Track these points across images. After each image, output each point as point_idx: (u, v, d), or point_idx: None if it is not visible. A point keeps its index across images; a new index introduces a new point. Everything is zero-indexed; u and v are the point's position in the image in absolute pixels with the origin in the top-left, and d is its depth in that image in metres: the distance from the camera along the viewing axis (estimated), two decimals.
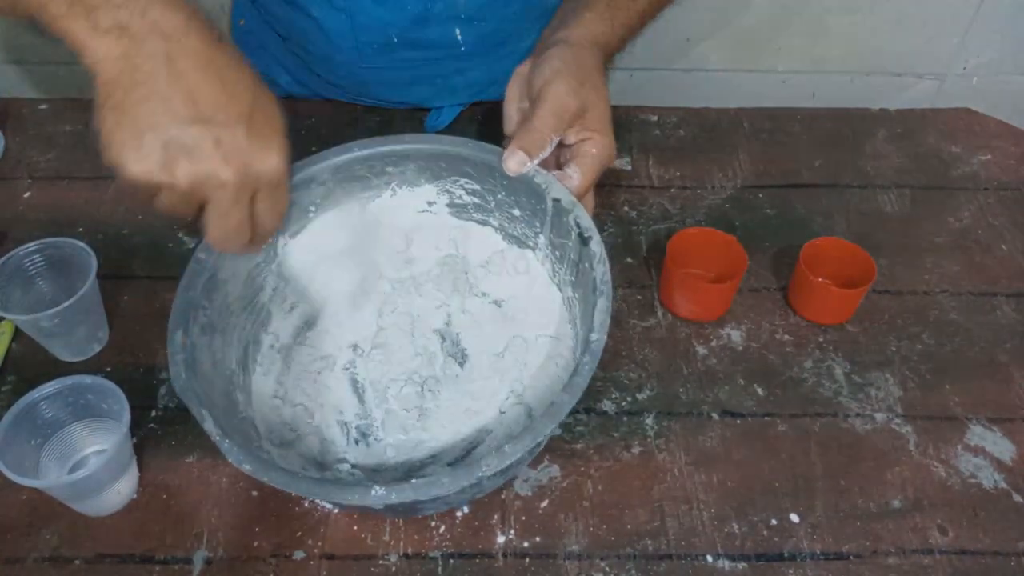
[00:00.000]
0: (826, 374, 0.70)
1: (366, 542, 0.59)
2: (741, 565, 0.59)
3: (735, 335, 0.72)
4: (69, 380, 0.59)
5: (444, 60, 0.87)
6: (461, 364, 0.66)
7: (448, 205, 0.70)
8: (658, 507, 0.62)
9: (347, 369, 0.66)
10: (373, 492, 0.48)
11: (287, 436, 0.61)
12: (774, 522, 0.61)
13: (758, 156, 0.89)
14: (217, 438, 0.51)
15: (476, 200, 0.68)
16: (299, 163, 0.64)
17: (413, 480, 0.48)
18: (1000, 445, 0.65)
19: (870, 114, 0.94)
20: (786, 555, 0.59)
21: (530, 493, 0.62)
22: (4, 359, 0.69)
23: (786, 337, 0.72)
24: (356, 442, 0.62)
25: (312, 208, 0.67)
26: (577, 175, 0.63)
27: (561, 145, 0.65)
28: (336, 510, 0.61)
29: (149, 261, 0.77)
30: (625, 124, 0.92)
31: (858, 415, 0.67)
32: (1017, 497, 0.62)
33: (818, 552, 0.59)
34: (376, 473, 0.60)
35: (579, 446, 0.65)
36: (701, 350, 0.71)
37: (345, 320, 0.69)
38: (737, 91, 1.25)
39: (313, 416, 0.63)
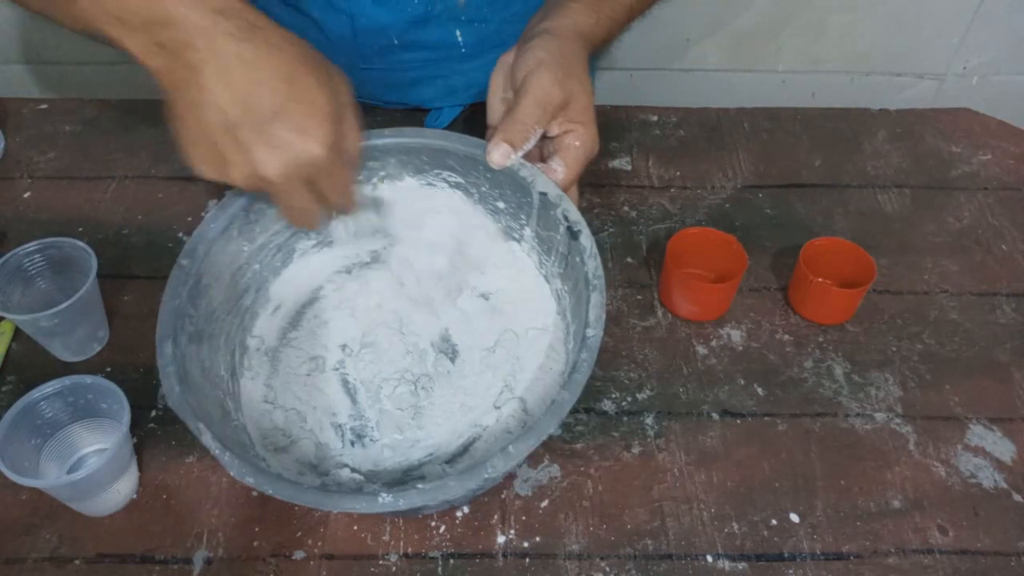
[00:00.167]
0: (826, 374, 0.70)
1: (366, 542, 0.59)
2: (741, 565, 0.59)
3: (735, 335, 0.72)
4: (69, 380, 0.59)
5: (444, 61, 0.87)
6: (452, 360, 0.66)
7: None
8: (658, 507, 0.62)
9: (337, 370, 0.66)
10: (380, 499, 0.48)
11: (280, 441, 0.60)
12: (774, 522, 0.61)
13: (758, 156, 0.89)
14: (217, 452, 0.50)
15: (459, 193, 0.68)
16: None
17: (419, 486, 0.48)
18: (1000, 445, 0.65)
19: (870, 114, 0.94)
20: (786, 555, 0.59)
21: (530, 493, 0.62)
22: (4, 359, 0.69)
23: (786, 337, 0.72)
24: (352, 444, 0.62)
25: None
26: (561, 168, 0.62)
27: (544, 137, 0.64)
28: (336, 510, 0.61)
29: (149, 261, 0.77)
30: (625, 124, 0.92)
31: (858, 415, 0.67)
32: (1017, 497, 0.63)
33: (818, 552, 0.59)
34: (374, 474, 0.60)
35: (579, 446, 0.65)
36: (701, 350, 0.71)
37: (331, 319, 0.68)
38: (737, 91, 1.25)
39: (306, 420, 0.62)
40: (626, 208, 0.83)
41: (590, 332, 0.54)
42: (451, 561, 0.59)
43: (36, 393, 0.58)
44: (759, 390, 0.69)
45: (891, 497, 0.62)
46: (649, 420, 0.67)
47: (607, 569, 0.58)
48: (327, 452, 0.61)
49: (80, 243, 0.67)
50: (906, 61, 1.23)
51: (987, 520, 0.61)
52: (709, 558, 0.59)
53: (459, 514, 0.61)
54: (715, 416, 0.67)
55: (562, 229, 0.61)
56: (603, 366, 0.70)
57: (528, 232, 0.66)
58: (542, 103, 0.61)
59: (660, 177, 0.86)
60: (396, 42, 0.84)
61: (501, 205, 0.67)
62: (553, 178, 0.62)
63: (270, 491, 0.49)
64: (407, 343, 0.67)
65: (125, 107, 0.93)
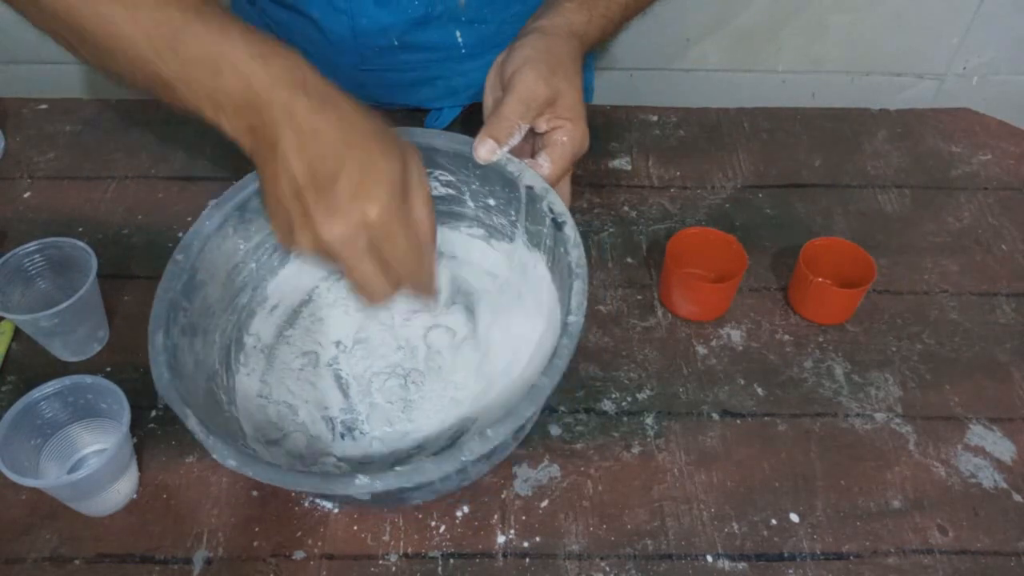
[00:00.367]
0: (826, 374, 0.70)
1: (366, 542, 0.60)
2: (741, 565, 0.59)
3: (735, 335, 0.72)
4: (69, 380, 0.59)
5: (444, 62, 0.87)
6: (445, 355, 0.67)
7: None
8: (658, 507, 0.62)
9: (330, 365, 0.67)
10: (357, 481, 0.48)
11: (273, 435, 0.61)
12: (774, 522, 0.61)
13: (758, 156, 0.89)
14: (201, 435, 0.51)
15: (451, 191, 0.68)
16: None
17: (397, 468, 0.48)
18: (1000, 445, 0.65)
19: (870, 114, 0.94)
20: (786, 555, 0.59)
21: (530, 493, 0.62)
22: (4, 359, 0.69)
23: (786, 337, 0.72)
24: (342, 436, 0.63)
25: None
26: (548, 163, 0.63)
27: (534, 134, 0.65)
28: (336, 510, 0.61)
29: (149, 261, 0.77)
30: (625, 124, 0.92)
31: (858, 415, 0.67)
32: (1017, 497, 0.62)
33: (818, 552, 0.59)
34: (363, 466, 0.61)
35: (579, 446, 0.65)
36: (701, 350, 0.71)
37: (327, 316, 0.69)
38: (737, 91, 1.25)
39: (298, 413, 0.63)
40: (626, 208, 0.83)
41: (571, 319, 0.54)
42: (451, 561, 0.59)
43: (36, 393, 0.58)
44: (759, 390, 0.69)
45: (891, 497, 0.62)
46: (649, 420, 0.67)
47: (607, 569, 0.58)
48: (317, 445, 0.62)
49: (80, 243, 0.67)
50: (906, 61, 1.23)
51: (987, 520, 0.61)
52: (709, 558, 0.59)
53: (459, 514, 0.61)
54: (715, 416, 0.67)
55: (548, 221, 0.61)
56: (603, 366, 0.70)
57: (519, 228, 0.67)
58: (526, 99, 0.61)
59: (660, 177, 0.86)
60: (396, 43, 0.84)
61: (492, 202, 0.67)
62: (540, 173, 0.62)
63: (251, 473, 0.49)
64: (399, 338, 0.67)
65: (125, 107, 0.93)
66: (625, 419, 0.67)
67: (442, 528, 0.60)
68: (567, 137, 0.63)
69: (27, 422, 0.58)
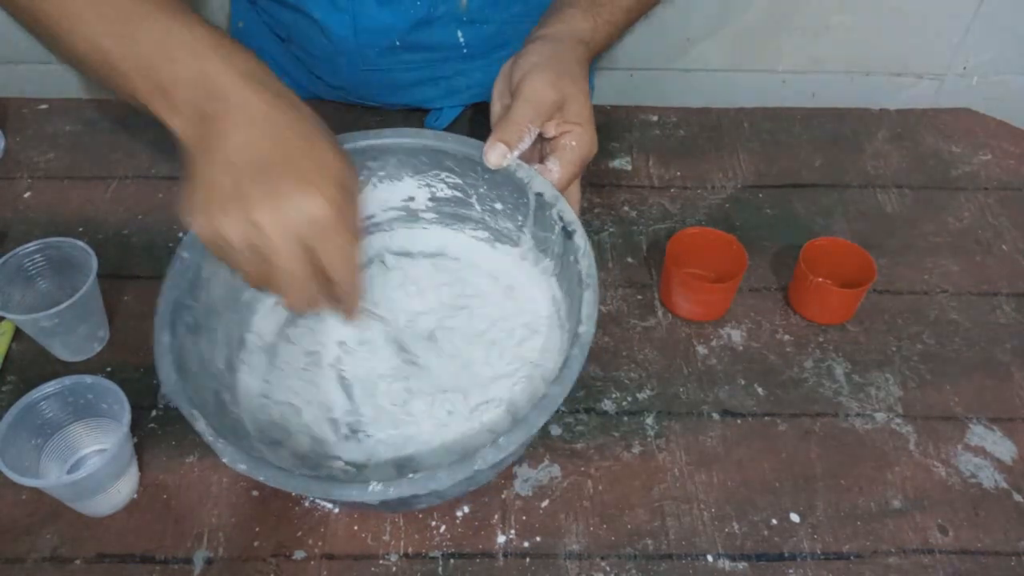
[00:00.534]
0: (826, 374, 0.70)
1: (366, 542, 0.59)
2: (741, 565, 0.59)
3: (735, 335, 0.72)
4: (69, 380, 0.59)
5: (446, 62, 0.87)
6: (449, 358, 0.66)
7: (429, 199, 0.70)
8: (658, 507, 0.62)
9: (333, 366, 0.66)
10: (371, 488, 0.48)
11: (276, 435, 0.61)
12: (774, 522, 0.61)
13: (758, 156, 0.89)
14: (210, 439, 0.50)
15: (457, 194, 0.68)
16: None
17: (411, 475, 0.48)
18: (1000, 445, 0.65)
19: (870, 114, 0.94)
20: (786, 555, 0.59)
21: (530, 493, 0.62)
22: (4, 359, 0.69)
23: (786, 337, 0.72)
24: (346, 438, 0.62)
25: None
26: (557, 168, 0.63)
27: (543, 139, 0.65)
28: (336, 510, 0.61)
29: (149, 261, 0.77)
30: (625, 124, 0.92)
31: (858, 415, 0.67)
32: (1017, 497, 0.63)
33: (818, 552, 0.59)
34: (367, 468, 0.61)
35: (579, 446, 0.65)
36: (701, 350, 0.71)
37: (329, 316, 0.68)
38: (737, 91, 1.25)
39: (302, 414, 0.63)
40: (626, 208, 0.83)
41: (582, 329, 0.54)
42: (451, 561, 0.59)
43: (36, 393, 0.58)
44: (759, 390, 0.69)
45: (891, 497, 0.62)
46: (649, 420, 0.67)
47: (607, 569, 0.58)
48: (321, 447, 0.61)
49: (80, 243, 0.67)
50: (906, 61, 1.23)
51: (987, 520, 0.61)
52: (709, 558, 0.59)
53: (459, 514, 0.61)
54: (715, 416, 0.67)
55: (557, 229, 0.61)
56: (603, 366, 0.70)
57: (526, 233, 0.66)
58: (535, 104, 0.62)
59: (660, 177, 0.86)
60: (398, 43, 0.84)
61: (499, 206, 0.67)
62: (549, 178, 0.62)
63: (262, 478, 0.49)
64: (402, 340, 0.67)
65: (125, 107, 0.92)
66: (625, 419, 0.67)
67: (442, 528, 0.60)
68: (576, 141, 0.63)
69: (27, 422, 0.58)
